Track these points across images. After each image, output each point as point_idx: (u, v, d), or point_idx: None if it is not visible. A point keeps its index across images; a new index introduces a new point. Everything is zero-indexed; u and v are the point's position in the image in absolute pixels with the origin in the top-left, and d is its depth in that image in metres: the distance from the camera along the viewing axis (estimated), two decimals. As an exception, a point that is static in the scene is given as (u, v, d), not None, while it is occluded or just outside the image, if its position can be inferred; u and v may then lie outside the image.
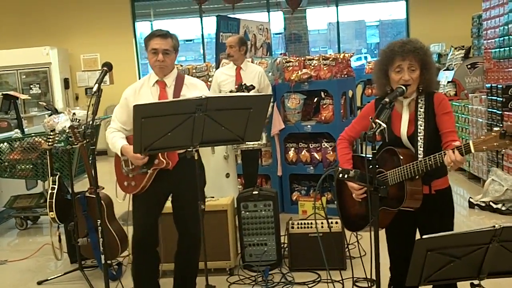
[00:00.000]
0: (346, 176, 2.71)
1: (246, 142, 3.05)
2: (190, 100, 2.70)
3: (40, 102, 8.55)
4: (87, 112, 2.89)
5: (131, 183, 3.37)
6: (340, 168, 2.76)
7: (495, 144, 2.34)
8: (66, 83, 11.99)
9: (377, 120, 2.48)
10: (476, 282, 2.27)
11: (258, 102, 2.83)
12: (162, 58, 3.26)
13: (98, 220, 3.03)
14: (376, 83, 2.85)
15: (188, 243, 3.50)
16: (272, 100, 5.61)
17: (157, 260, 3.57)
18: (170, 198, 3.56)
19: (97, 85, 2.98)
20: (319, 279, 4.13)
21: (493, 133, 2.35)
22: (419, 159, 2.65)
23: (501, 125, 5.98)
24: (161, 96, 3.32)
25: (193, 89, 3.37)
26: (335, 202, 3.19)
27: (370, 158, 2.55)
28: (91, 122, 2.87)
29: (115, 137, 3.34)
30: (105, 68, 3.10)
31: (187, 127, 2.72)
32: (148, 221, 3.43)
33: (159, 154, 3.22)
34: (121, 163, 3.40)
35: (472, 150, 2.40)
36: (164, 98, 3.29)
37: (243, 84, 4.94)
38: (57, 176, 4.54)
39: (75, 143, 4.41)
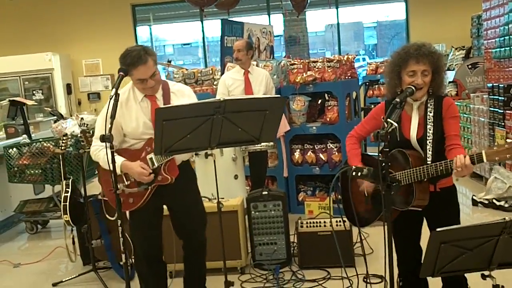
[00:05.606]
0: (359, 174, 2.80)
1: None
2: (209, 102, 2.78)
3: (45, 108, 8.64)
4: (106, 116, 2.92)
5: (129, 200, 3.26)
6: (353, 167, 2.84)
7: (507, 156, 2.48)
8: (68, 89, 12.09)
9: (388, 120, 2.57)
10: (486, 273, 2.37)
11: (273, 104, 2.90)
12: (152, 84, 3.16)
13: (119, 221, 3.06)
14: (387, 84, 2.94)
15: (194, 249, 3.56)
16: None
17: (165, 271, 3.61)
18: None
19: (114, 89, 3.01)
20: (328, 276, 4.23)
21: (506, 145, 2.48)
22: (429, 163, 2.74)
23: (503, 123, 6.08)
24: (154, 109, 3.12)
25: (181, 96, 3.31)
26: (340, 198, 3.27)
27: (380, 157, 2.64)
28: (109, 126, 2.91)
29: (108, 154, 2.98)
30: (121, 73, 3.07)
31: (206, 129, 2.79)
32: (154, 234, 3.42)
33: (162, 170, 3.19)
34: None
35: (485, 160, 2.52)
36: None
37: None
38: (70, 180, 4.63)
39: (87, 147, 4.47)
